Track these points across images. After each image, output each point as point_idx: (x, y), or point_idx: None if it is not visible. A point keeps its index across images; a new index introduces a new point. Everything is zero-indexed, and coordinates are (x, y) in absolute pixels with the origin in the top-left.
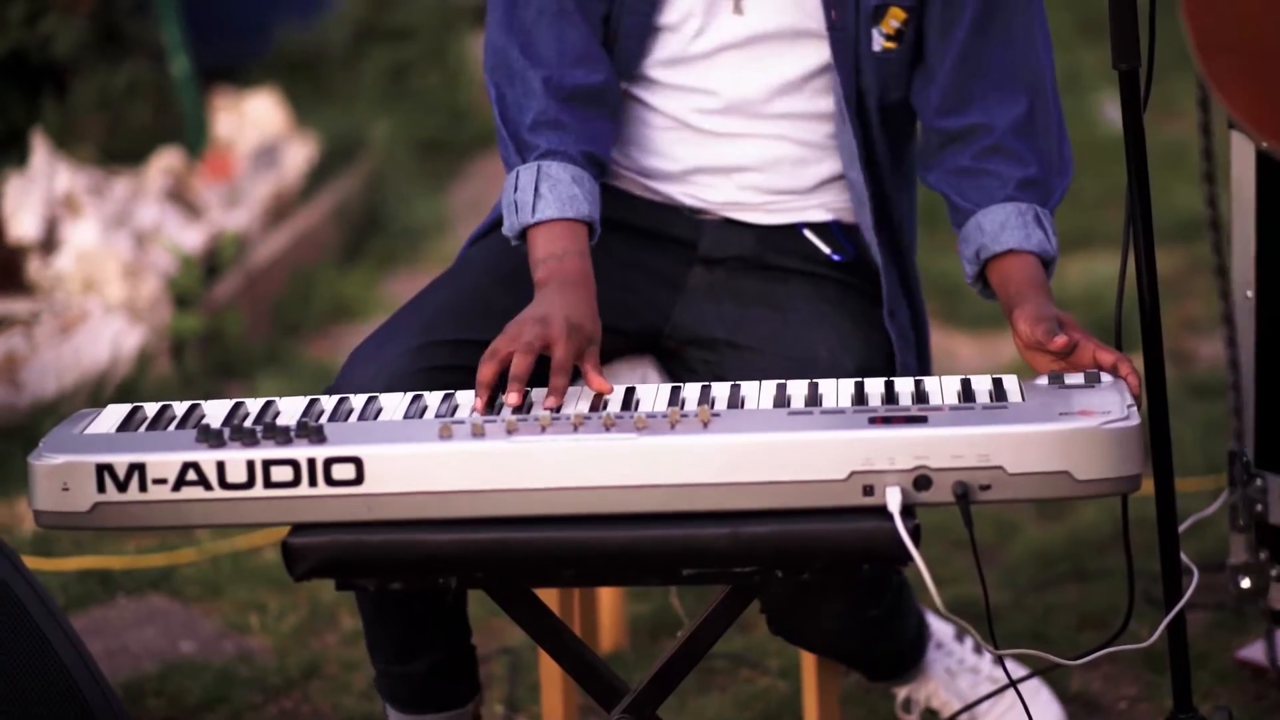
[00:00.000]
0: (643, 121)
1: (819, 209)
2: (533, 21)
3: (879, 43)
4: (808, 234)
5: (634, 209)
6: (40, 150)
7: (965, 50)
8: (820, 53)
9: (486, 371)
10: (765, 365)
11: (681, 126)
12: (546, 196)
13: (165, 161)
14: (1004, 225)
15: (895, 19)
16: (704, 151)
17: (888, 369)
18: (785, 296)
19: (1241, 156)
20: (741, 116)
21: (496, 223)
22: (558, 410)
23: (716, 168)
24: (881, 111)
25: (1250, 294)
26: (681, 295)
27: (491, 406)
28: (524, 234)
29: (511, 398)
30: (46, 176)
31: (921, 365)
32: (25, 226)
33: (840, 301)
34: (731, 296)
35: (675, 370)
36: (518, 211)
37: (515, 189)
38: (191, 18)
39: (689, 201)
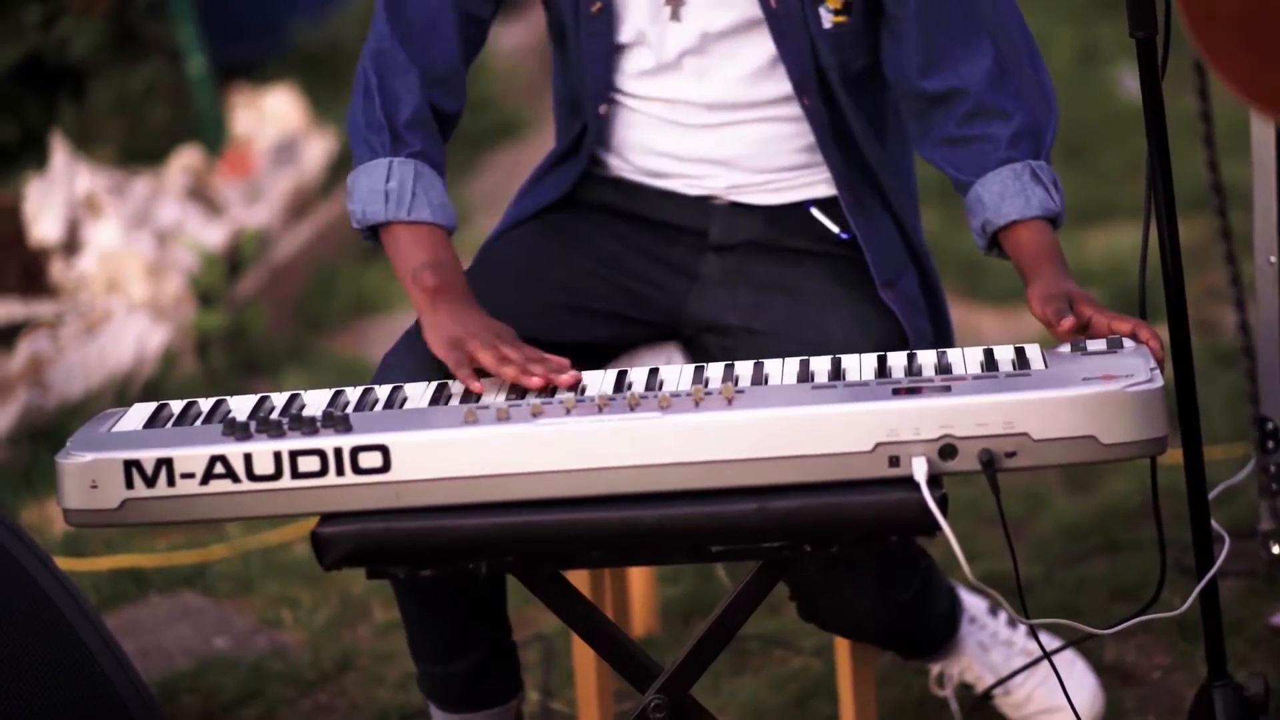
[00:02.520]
0: (633, 125)
1: (824, 184)
2: (410, 25)
3: (828, 19)
4: (815, 212)
5: (641, 199)
6: (60, 152)
7: (922, 6)
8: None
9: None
10: (781, 349)
11: (670, 125)
12: (421, 198)
13: (185, 160)
14: (1002, 195)
15: None
16: (697, 144)
17: (904, 346)
18: (799, 279)
19: (1261, 120)
20: (723, 110)
21: (518, 220)
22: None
23: (713, 159)
24: (846, 85)
25: (1274, 259)
26: (695, 284)
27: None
28: (382, 225)
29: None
30: (67, 178)
31: (939, 330)
32: (47, 229)
33: (854, 281)
34: (746, 282)
35: (693, 357)
36: (387, 202)
37: (388, 179)
38: (207, 17)
39: (693, 191)
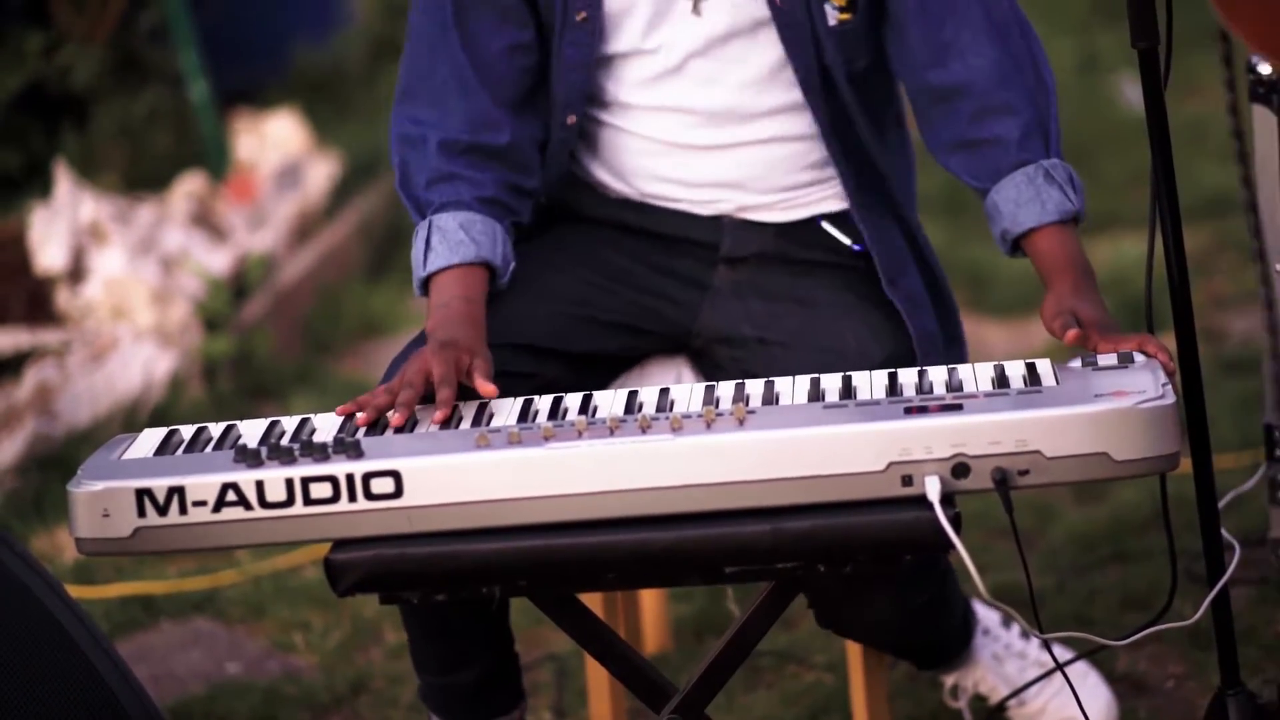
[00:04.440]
0: (636, 151)
1: (834, 198)
2: (436, 93)
3: (833, 17)
4: (826, 225)
5: (652, 216)
6: (64, 181)
7: (924, 2)
8: (779, 41)
9: (368, 414)
10: (794, 359)
11: (674, 149)
12: (436, 249)
13: (188, 186)
14: (1018, 202)
15: None
16: (704, 169)
17: (912, 348)
18: (810, 289)
19: (1265, 130)
20: (728, 124)
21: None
22: (448, 424)
23: (721, 182)
24: (851, 83)
25: None
26: (707, 296)
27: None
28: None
29: (396, 418)
30: (71, 206)
31: (948, 330)
32: (52, 257)
33: (865, 291)
34: (757, 294)
35: (705, 369)
36: (415, 268)
37: (414, 245)
38: (208, 42)
39: (704, 211)
